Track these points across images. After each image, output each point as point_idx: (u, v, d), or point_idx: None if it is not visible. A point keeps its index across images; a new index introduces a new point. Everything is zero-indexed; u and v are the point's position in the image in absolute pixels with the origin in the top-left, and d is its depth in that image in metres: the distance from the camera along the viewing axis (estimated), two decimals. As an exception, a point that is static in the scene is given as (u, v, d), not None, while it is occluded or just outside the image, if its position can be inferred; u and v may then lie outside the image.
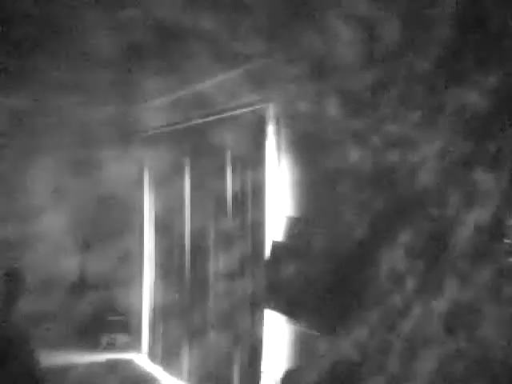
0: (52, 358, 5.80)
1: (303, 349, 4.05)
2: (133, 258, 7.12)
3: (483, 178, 2.70)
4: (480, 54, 2.76)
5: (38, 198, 6.66)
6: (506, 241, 2.84)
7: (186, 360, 5.87)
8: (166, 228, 6.49)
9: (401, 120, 2.86)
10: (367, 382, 3.22)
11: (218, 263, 5.34)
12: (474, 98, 2.73)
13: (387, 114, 2.91)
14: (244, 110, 4.84)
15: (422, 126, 2.83)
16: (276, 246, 4.39)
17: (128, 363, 6.45)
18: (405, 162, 2.87)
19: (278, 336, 4.42)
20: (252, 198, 4.84)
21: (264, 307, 4.42)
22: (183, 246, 6.04)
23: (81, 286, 7.31)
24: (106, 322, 7.07)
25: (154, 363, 6.49)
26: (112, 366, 6.26)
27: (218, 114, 5.20)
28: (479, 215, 2.70)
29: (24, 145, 6.86)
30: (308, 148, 3.95)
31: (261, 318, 4.53)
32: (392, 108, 2.87)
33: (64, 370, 5.80)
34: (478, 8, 2.72)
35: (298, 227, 4.13)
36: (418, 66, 2.86)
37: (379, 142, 2.91)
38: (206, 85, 5.24)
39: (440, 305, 2.77)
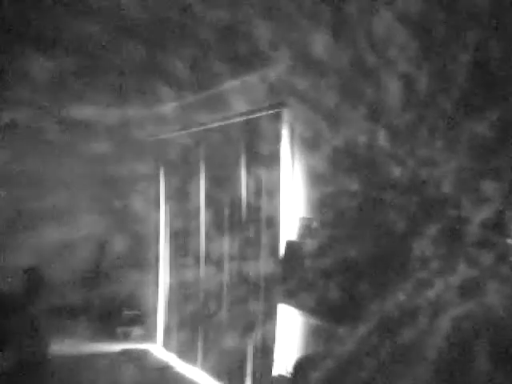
0: (68, 347, 6.10)
1: (315, 338, 4.31)
2: (148, 255, 7.06)
3: (489, 187, 3.43)
4: (488, 94, 3.38)
5: (54, 193, 6.63)
6: (509, 241, 3.44)
7: (200, 349, 5.90)
8: (181, 228, 6.41)
9: (429, 146, 3.60)
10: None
11: (233, 258, 5.30)
12: (481, 129, 3.62)
13: (420, 142, 3.60)
14: (259, 114, 4.86)
15: (444, 150, 3.45)
16: (290, 245, 4.48)
17: (143, 352, 6.52)
18: (431, 176, 3.66)
19: (290, 326, 4.50)
20: (267, 198, 4.85)
21: (278, 301, 4.49)
22: (198, 241, 6.01)
23: (96, 281, 7.30)
24: (122, 316, 7.17)
25: (169, 352, 6.54)
26: (127, 354, 6.36)
27: (234, 117, 5.20)
28: (485, 215, 3.33)
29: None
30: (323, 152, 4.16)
31: (274, 309, 4.58)
32: (423, 137, 3.69)
33: (80, 358, 5.95)
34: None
35: (312, 227, 4.26)
36: (442, 107, 3.48)
37: (413, 162, 3.79)
38: (223, 88, 5.25)
39: (455, 280, 3.39)
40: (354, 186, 3.49)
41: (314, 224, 4.27)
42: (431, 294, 3.47)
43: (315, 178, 4.22)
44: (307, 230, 4.35)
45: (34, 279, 5.94)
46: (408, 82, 3.60)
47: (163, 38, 3.78)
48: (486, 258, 3.40)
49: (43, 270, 6.14)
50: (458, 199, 3.45)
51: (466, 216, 3.43)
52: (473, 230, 3.42)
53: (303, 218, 4.48)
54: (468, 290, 3.42)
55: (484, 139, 3.39)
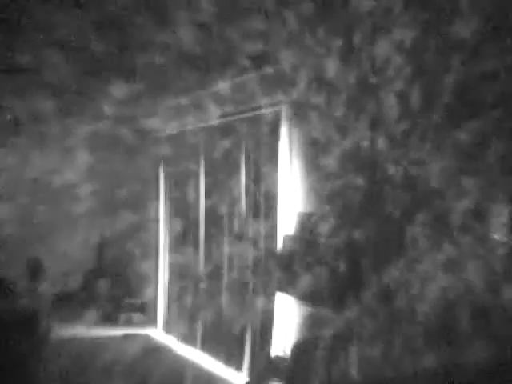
0: (68, 331, 6.17)
1: (311, 321, 4.50)
2: (149, 244, 7.18)
3: (469, 183, 3.91)
4: (468, 108, 3.94)
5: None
6: (495, 236, 3.94)
7: (200, 332, 5.97)
8: (181, 214, 6.45)
9: (419, 149, 4.07)
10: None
11: (233, 248, 5.34)
12: (463, 136, 3.97)
13: (412, 146, 4.11)
14: (258, 111, 4.98)
15: (431, 152, 3.98)
16: (288, 238, 4.56)
17: (144, 336, 6.64)
18: (421, 174, 4.07)
19: (287, 310, 4.60)
20: (265, 194, 4.92)
21: (276, 289, 4.58)
22: (197, 228, 6.07)
23: (98, 270, 7.43)
24: (124, 304, 7.25)
25: (170, 335, 6.62)
26: (129, 338, 6.46)
27: (234, 115, 5.30)
28: (465, 205, 3.90)
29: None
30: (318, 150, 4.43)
31: (272, 295, 4.65)
32: (415, 142, 4.11)
33: (82, 342, 6.03)
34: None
35: (309, 221, 4.46)
36: (430, 117, 4.01)
37: (406, 162, 4.20)
38: (221, 86, 5.38)
39: (441, 258, 3.94)
40: (358, 181, 4.10)
41: (314, 218, 4.51)
42: (421, 269, 4.01)
43: (322, 175, 4.57)
44: (307, 223, 4.55)
45: (36, 267, 5.98)
46: (402, 98, 4.15)
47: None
48: (466, 240, 3.97)
49: (46, 259, 6.19)
50: (443, 192, 3.99)
51: (450, 206, 3.98)
52: (456, 218, 3.98)
53: (302, 212, 4.69)
54: (451, 266, 3.99)
55: (465, 144, 3.96)
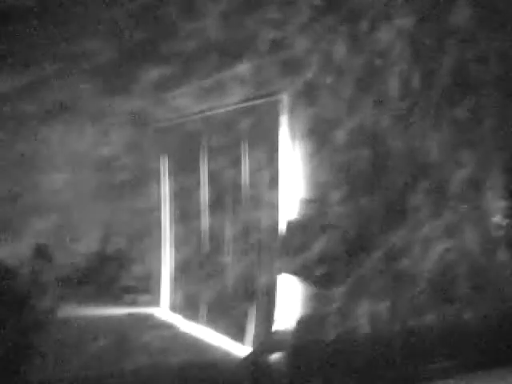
0: (75, 311, 5.65)
1: (315, 297, 4.50)
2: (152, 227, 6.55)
3: (465, 156, 4.37)
4: (465, 88, 4.36)
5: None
6: (495, 219, 4.47)
7: (204, 310, 5.79)
8: (184, 199, 6.15)
9: (420, 125, 4.43)
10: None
11: (235, 229, 5.20)
12: (460, 113, 4.47)
13: (414, 122, 4.38)
14: (260, 100, 4.87)
15: (431, 128, 4.33)
16: (290, 223, 4.61)
17: (149, 315, 6.32)
18: (422, 147, 4.38)
19: (290, 289, 4.64)
20: (268, 181, 4.85)
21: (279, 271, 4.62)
22: (200, 217, 5.82)
23: (102, 255, 6.64)
24: (128, 287, 6.55)
25: (175, 314, 6.30)
26: (134, 316, 6.12)
27: (235, 104, 5.12)
28: (462, 175, 4.33)
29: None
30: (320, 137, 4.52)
31: (275, 276, 4.64)
32: (416, 119, 4.39)
33: (87, 319, 5.71)
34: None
35: (310, 207, 4.54)
36: (430, 96, 4.33)
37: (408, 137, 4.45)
38: (223, 75, 5.21)
39: (440, 223, 4.32)
40: (365, 154, 4.40)
41: (317, 203, 4.56)
42: (423, 233, 4.32)
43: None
44: (311, 208, 4.59)
45: (43, 251, 5.69)
46: (404, 79, 4.40)
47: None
48: (463, 207, 4.42)
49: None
50: (442, 165, 4.35)
51: (448, 177, 4.37)
52: (453, 187, 4.38)
53: (305, 199, 4.70)
54: (450, 230, 4.38)
55: (461, 120, 4.35)
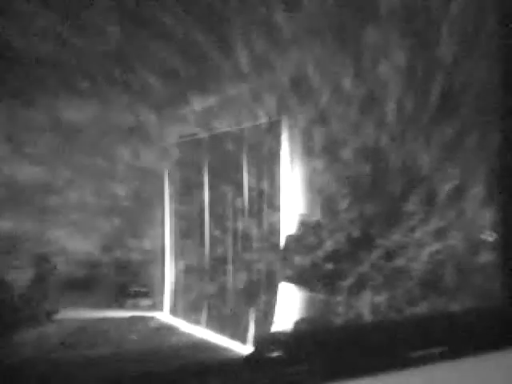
0: (74, 314, 6.29)
1: (311, 305, 4.64)
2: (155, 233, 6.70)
3: (453, 170, 4.84)
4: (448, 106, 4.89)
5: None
6: (482, 236, 4.86)
7: (205, 313, 5.17)
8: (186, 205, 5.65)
9: (413, 144, 5.22)
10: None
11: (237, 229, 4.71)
12: (448, 131, 5.32)
13: (408, 141, 4.87)
14: (259, 121, 4.69)
15: (422, 145, 4.99)
16: (289, 238, 4.68)
17: (151, 318, 6.04)
18: (415, 163, 5.02)
19: (289, 294, 4.65)
20: (267, 198, 4.81)
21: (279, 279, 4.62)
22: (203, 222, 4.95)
23: (104, 261, 7.25)
24: (130, 292, 7.14)
25: (176, 317, 5.42)
26: (135, 319, 6.10)
27: (236, 124, 4.76)
28: (449, 187, 4.85)
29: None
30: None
31: (276, 283, 4.62)
32: (410, 139, 4.94)
33: (87, 322, 5.80)
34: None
35: (309, 223, 4.73)
36: (420, 119, 4.82)
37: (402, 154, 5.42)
38: (224, 96, 4.85)
39: (430, 228, 4.82)
40: (367, 169, 4.97)
41: (314, 219, 4.79)
42: (415, 236, 4.87)
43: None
44: (308, 224, 4.80)
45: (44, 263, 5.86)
46: (400, 105, 4.78)
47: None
48: (450, 214, 4.97)
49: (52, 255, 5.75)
50: (432, 178, 4.91)
51: (437, 188, 4.92)
52: (442, 197, 4.95)
53: (304, 214, 4.84)
54: (439, 234, 4.91)
55: (448, 138, 4.84)
